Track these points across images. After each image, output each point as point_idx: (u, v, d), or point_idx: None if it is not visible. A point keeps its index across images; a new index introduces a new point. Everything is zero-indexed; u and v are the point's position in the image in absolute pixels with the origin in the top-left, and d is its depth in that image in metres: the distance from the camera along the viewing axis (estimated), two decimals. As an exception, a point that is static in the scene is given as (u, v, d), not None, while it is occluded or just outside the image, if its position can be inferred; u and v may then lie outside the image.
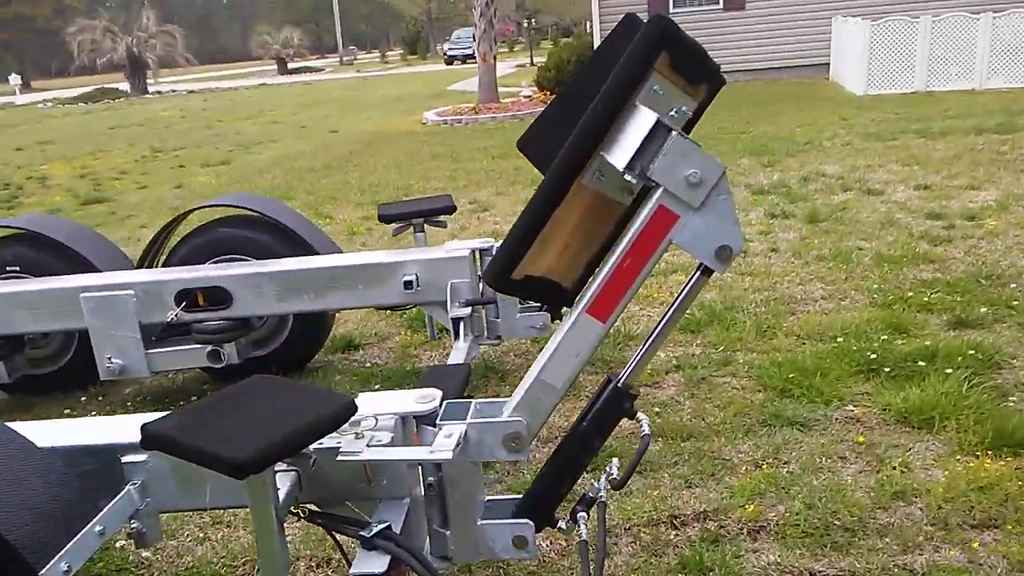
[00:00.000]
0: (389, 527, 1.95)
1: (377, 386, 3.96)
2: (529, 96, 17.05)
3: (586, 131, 1.93)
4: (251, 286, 3.68)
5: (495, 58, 16.40)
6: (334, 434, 2.03)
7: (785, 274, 5.17)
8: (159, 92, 37.21)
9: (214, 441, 1.69)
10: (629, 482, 2.96)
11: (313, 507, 2.10)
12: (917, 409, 3.30)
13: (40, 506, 1.82)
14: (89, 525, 1.90)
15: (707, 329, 4.36)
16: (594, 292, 2.00)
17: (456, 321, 3.59)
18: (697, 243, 1.92)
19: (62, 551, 1.80)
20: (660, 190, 1.90)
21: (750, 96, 14.80)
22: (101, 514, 1.95)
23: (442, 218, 4.02)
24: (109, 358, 3.71)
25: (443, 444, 2.00)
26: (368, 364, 4.31)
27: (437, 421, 2.12)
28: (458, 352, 3.46)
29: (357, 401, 2.26)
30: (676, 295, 2.04)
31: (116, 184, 11.31)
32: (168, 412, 1.91)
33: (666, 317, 2.06)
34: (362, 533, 1.93)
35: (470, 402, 2.20)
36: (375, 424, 2.07)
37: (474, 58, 17.88)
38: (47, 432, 2.13)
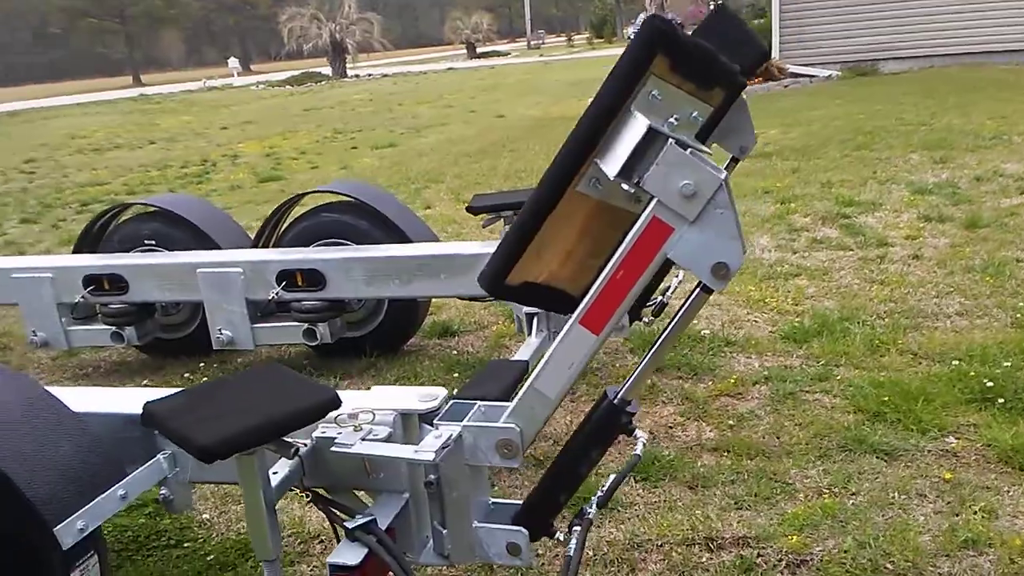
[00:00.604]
0: (373, 521, 1.99)
1: (456, 374, 4.03)
2: (700, 83, 16.46)
3: (579, 137, 1.87)
4: (343, 270, 3.85)
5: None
6: (333, 425, 2.11)
7: (921, 284, 4.73)
8: (356, 76, 39.37)
9: (191, 425, 1.80)
10: (676, 497, 2.87)
11: (322, 491, 2.20)
12: (1027, 448, 2.95)
13: (66, 468, 2.01)
14: (112, 489, 2.08)
15: (814, 340, 4.08)
16: (587, 303, 1.94)
17: (529, 316, 3.59)
18: (692, 259, 1.82)
19: (80, 511, 1.98)
20: (654, 201, 1.81)
21: (944, 83, 13.57)
22: (126, 479, 2.13)
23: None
24: (219, 329, 4.02)
25: (429, 445, 2.01)
26: (459, 351, 4.39)
27: (435, 421, 2.14)
28: (526, 348, 3.46)
29: (370, 394, 2.34)
30: (675, 312, 1.95)
31: (293, 164, 12.13)
32: (178, 390, 2.05)
33: (664, 335, 1.96)
34: (346, 524, 1.99)
35: (475, 403, 2.21)
36: (373, 419, 2.13)
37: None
38: (88, 399, 2.35)
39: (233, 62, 47.23)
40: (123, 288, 4.08)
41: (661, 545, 2.64)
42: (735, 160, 3.25)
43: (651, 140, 1.78)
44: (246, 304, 3.96)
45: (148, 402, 1.92)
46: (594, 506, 2.06)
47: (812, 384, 3.65)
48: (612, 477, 2.10)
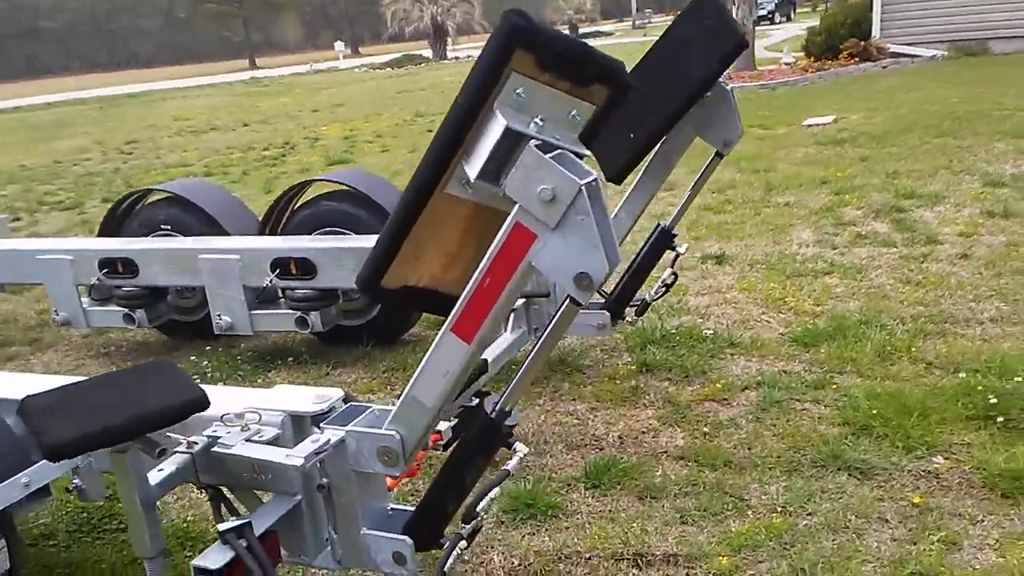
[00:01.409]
0: (247, 525, 1.97)
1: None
2: (790, 63, 15.80)
3: (441, 137, 1.80)
4: (332, 259, 3.87)
5: (754, 24, 15.42)
6: (221, 425, 2.11)
7: (961, 286, 4.38)
8: (456, 58, 39.67)
9: (51, 422, 1.83)
10: (622, 507, 2.77)
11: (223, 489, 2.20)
12: (1018, 474, 2.69)
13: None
14: (15, 477, 2.15)
15: (824, 344, 3.85)
16: (457, 311, 1.86)
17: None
18: (555, 267, 1.72)
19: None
20: (516, 206, 1.71)
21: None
22: (31, 468, 2.19)
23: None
24: (219, 315, 4.11)
25: (303, 449, 1.99)
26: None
27: (322, 424, 2.11)
28: (499, 344, 3.39)
29: (269, 393, 2.34)
30: (547, 323, 1.85)
31: (366, 147, 12.33)
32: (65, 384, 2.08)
33: (538, 346, 1.87)
34: (218, 526, 1.99)
35: (368, 407, 2.17)
36: (259, 420, 2.12)
37: (769, 19, 16.87)
38: (12, 386, 2.43)
39: (339, 45, 48.38)
40: (134, 272, 4.23)
41: (589, 558, 2.54)
42: (719, 155, 3.09)
43: (511, 141, 1.69)
44: (244, 291, 4.03)
45: (27, 395, 1.96)
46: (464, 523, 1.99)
47: (805, 392, 3.43)
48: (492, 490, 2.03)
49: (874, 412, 3.15)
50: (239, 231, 4.38)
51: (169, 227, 4.50)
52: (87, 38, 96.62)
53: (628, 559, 2.51)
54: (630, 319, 3.61)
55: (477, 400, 2.72)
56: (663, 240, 3.42)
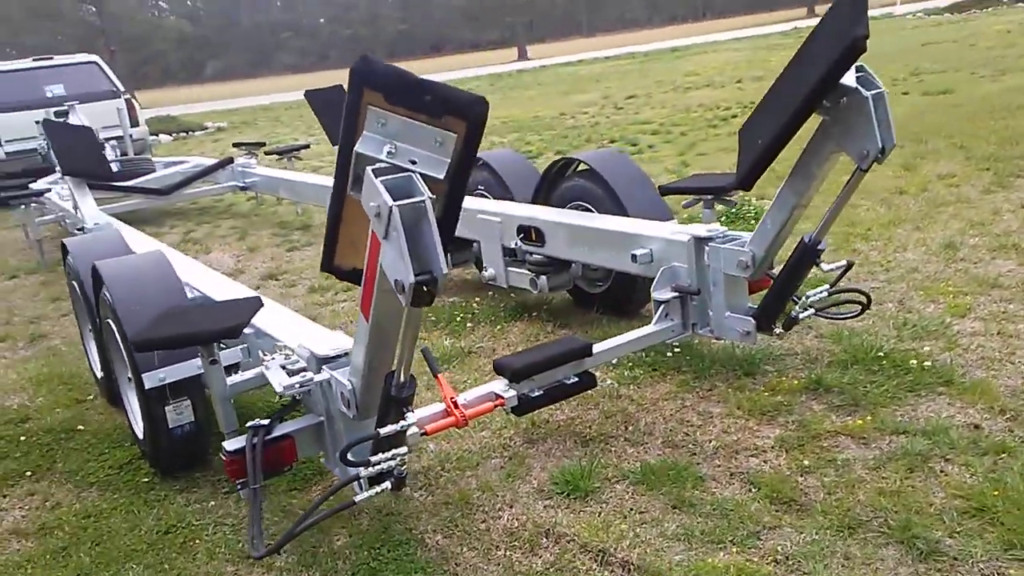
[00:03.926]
0: (262, 427, 2.69)
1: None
2: None
3: (341, 152, 2.24)
4: (554, 231, 4.32)
5: None
6: (276, 353, 2.87)
7: None
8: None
9: (152, 327, 2.77)
10: (596, 514, 2.85)
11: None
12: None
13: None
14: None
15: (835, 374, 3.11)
16: (362, 293, 2.33)
17: (657, 304, 3.60)
18: (390, 270, 2.10)
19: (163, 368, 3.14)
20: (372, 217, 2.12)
21: None
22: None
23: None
24: (485, 267, 4.88)
25: (285, 380, 2.64)
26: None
27: (324, 366, 2.73)
28: (632, 333, 3.53)
29: (312, 334, 3.00)
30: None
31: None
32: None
33: (402, 335, 2.23)
34: (248, 423, 2.75)
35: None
36: (292, 354, 2.82)
37: None
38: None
39: None
40: (542, 241, 4.44)
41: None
42: (860, 170, 2.83)
43: (362, 162, 2.09)
44: (501, 249, 4.71)
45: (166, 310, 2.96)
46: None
47: (967, 453, 2.90)
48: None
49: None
50: (524, 198, 5.02)
51: (483, 188, 5.35)
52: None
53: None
54: (778, 331, 3.40)
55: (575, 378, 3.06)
56: (806, 255, 3.15)
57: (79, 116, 10.37)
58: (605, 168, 4.45)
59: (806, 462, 3.00)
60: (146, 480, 3.41)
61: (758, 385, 3.62)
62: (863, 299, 3.45)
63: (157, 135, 22.30)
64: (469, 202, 5.07)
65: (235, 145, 9.62)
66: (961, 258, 4.89)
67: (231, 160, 8.66)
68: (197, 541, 2.96)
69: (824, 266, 3.22)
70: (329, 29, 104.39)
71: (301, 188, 7.34)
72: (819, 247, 3.15)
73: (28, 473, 3.62)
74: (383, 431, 2.36)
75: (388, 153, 2.05)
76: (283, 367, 2.78)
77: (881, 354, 3.67)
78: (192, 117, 27.43)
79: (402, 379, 2.35)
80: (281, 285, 6.26)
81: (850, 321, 4.07)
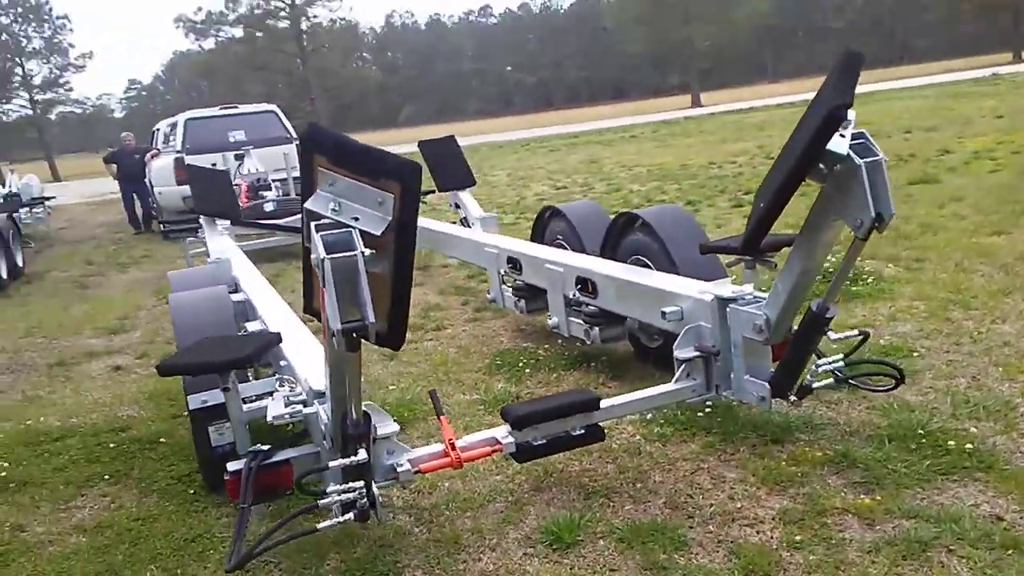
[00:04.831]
0: (261, 452, 2.95)
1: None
2: None
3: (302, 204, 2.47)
4: (604, 283, 4.37)
5: None
6: (279, 384, 3.14)
7: None
8: None
9: (177, 357, 3.12)
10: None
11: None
12: None
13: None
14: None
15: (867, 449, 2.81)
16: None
17: (678, 362, 3.57)
18: (328, 320, 2.29)
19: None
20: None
21: None
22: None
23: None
24: (550, 316, 4.99)
25: (278, 411, 2.89)
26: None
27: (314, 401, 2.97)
28: (637, 393, 3.53)
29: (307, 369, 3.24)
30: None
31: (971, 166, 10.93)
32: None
33: (329, 382, 2.41)
34: (248, 448, 3.02)
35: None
36: (296, 387, 3.07)
37: None
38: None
39: None
40: (594, 292, 4.49)
41: (529, 589, 2.78)
42: (858, 239, 2.77)
43: (309, 216, 2.31)
44: (563, 299, 4.82)
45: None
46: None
47: (971, 544, 2.69)
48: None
49: None
50: (592, 248, 5.11)
51: (561, 239, 5.50)
52: (866, 35, 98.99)
53: None
54: (793, 399, 3.28)
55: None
56: (815, 323, 3.04)
57: (253, 160, 11.50)
58: (661, 224, 4.47)
59: (798, 537, 2.88)
60: (193, 492, 3.78)
61: (783, 453, 3.50)
62: (895, 373, 3.29)
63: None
64: (540, 251, 5.24)
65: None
66: (1065, 336, 4.46)
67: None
68: (212, 552, 3.25)
69: (832, 335, 3.09)
70: (515, 77, 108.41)
71: (414, 231, 7.74)
72: (828, 314, 3.03)
73: (107, 477, 4.10)
74: (331, 464, 2.55)
75: (332, 210, 2.26)
76: (285, 398, 3.04)
77: (922, 431, 3.44)
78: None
79: (353, 417, 2.52)
80: (382, 322, 6.64)
81: (909, 395, 3.87)
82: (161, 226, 14.32)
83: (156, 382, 5.62)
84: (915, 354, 4.39)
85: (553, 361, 5.03)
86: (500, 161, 23.80)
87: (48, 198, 16.51)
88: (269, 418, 2.90)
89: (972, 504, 2.95)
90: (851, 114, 2.69)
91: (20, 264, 11.70)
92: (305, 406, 2.94)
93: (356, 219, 2.25)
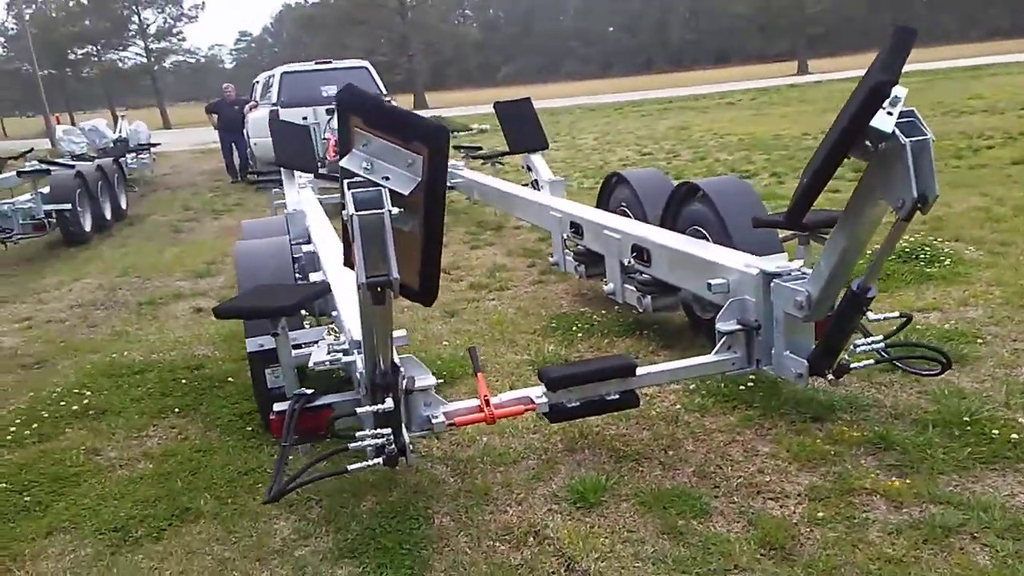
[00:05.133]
0: (304, 395, 3.13)
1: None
2: None
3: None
4: (658, 252, 4.38)
5: None
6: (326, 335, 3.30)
7: None
8: None
9: (234, 299, 3.31)
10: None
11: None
12: None
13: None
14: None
15: (908, 433, 2.70)
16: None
17: (720, 334, 3.57)
18: (356, 274, 2.42)
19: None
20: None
21: None
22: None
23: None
24: (607, 282, 5.03)
25: (317, 356, 3.05)
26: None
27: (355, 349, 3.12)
28: (687, 360, 3.55)
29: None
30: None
31: None
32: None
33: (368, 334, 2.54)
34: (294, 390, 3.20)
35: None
36: (339, 336, 3.23)
37: None
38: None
39: None
40: (648, 261, 4.48)
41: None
42: (901, 219, 2.73)
43: (344, 173, 2.43)
44: (619, 265, 4.84)
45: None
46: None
47: (1009, 538, 2.65)
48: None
49: None
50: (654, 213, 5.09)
51: (625, 206, 5.49)
52: (995, 4, 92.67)
53: None
54: (830, 378, 3.24)
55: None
56: (855, 302, 3.00)
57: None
58: (720, 196, 4.43)
59: (821, 514, 2.88)
60: (252, 429, 4.02)
61: (821, 431, 3.48)
62: (941, 358, 3.22)
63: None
64: (601, 217, 5.25)
65: (455, 148, 10.41)
66: None
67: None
68: (261, 485, 3.47)
69: (871, 315, 3.04)
70: (615, 37, 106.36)
71: (485, 191, 7.84)
72: (868, 294, 2.98)
73: (177, 410, 4.39)
74: (359, 410, 2.69)
75: (364, 168, 2.36)
76: (329, 346, 3.21)
77: (969, 419, 3.36)
78: (464, 118, 29.48)
79: (382, 367, 2.65)
80: (450, 279, 6.79)
81: (964, 381, 3.78)
82: (253, 176, 14.86)
83: (231, 325, 5.93)
84: (979, 341, 4.24)
85: (607, 327, 5.07)
86: (590, 124, 23.60)
87: (154, 145, 17.33)
88: (311, 364, 3.06)
89: (1007, 494, 2.89)
90: (901, 91, 2.63)
91: (124, 207, 12.37)
92: (345, 355, 3.10)
93: (387, 178, 2.35)
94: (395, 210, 2.31)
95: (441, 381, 4.36)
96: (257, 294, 3.38)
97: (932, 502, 2.89)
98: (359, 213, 2.28)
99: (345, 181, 2.37)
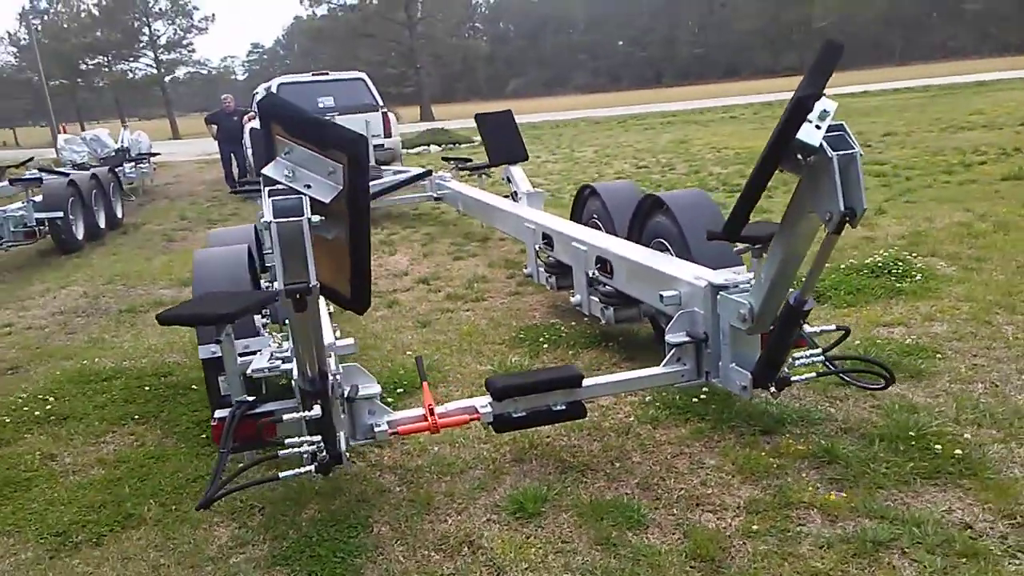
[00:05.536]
0: (247, 403, 3.13)
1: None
2: None
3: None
4: (618, 264, 4.38)
5: None
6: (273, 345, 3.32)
7: None
8: None
9: (178, 306, 3.32)
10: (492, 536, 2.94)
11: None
12: None
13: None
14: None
15: (853, 447, 2.68)
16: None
17: (669, 346, 3.57)
18: (277, 282, 2.44)
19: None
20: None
21: None
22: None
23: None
24: (572, 293, 5.03)
25: (256, 364, 3.06)
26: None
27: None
28: (637, 372, 3.55)
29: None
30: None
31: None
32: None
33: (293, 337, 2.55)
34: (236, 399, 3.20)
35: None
36: (281, 344, 3.24)
37: None
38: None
39: None
40: (610, 272, 4.54)
41: None
42: (832, 233, 2.73)
43: (265, 181, 2.45)
44: (585, 276, 4.84)
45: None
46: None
47: (940, 554, 2.63)
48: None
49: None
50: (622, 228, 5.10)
51: (596, 218, 5.50)
52: (1009, 20, 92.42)
53: None
54: (772, 390, 3.24)
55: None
56: (792, 315, 3.00)
57: (337, 126, 11.84)
58: (681, 209, 4.43)
59: (755, 527, 2.87)
60: (206, 436, 4.03)
61: (768, 444, 3.47)
62: (884, 372, 3.21)
63: (428, 145, 24.53)
64: (569, 229, 5.26)
65: (443, 159, 10.45)
66: (1112, 345, 4.20)
67: (430, 172, 9.45)
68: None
69: (808, 328, 3.04)
70: (624, 51, 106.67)
71: (470, 203, 7.87)
72: (805, 307, 2.98)
73: (138, 417, 4.41)
74: (285, 417, 2.70)
75: (286, 176, 2.38)
76: (271, 353, 3.22)
77: (914, 434, 3.35)
78: (469, 131, 29.59)
79: (309, 374, 2.66)
80: (429, 290, 6.80)
81: (918, 396, 3.76)
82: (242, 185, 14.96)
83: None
84: (939, 356, 4.22)
85: (573, 339, 5.07)
86: (592, 137, 23.62)
87: (154, 154, 17.45)
88: (250, 371, 3.07)
89: (944, 509, 2.87)
90: (830, 105, 2.63)
91: (119, 216, 12.45)
92: (284, 362, 3.11)
93: (308, 187, 2.36)
94: (316, 218, 2.33)
95: (401, 391, 4.40)
96: (203, 301, 3.39)
97: (867, 516, 2.87)
98: (278, 220, 2.29)
99: (266, 189, 2.39)
